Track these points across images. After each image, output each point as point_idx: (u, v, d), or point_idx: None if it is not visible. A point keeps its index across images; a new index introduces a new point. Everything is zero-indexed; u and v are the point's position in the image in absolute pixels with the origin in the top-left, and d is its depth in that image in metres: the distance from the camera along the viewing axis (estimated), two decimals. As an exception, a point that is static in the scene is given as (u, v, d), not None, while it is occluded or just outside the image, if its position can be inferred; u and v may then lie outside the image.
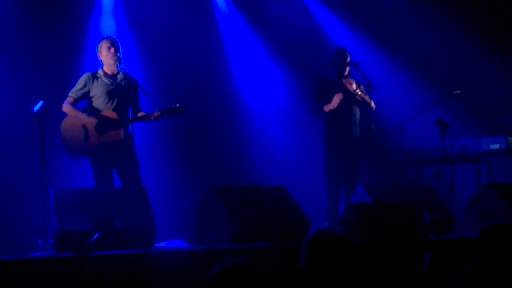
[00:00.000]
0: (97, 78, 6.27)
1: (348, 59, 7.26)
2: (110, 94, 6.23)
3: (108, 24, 8.10)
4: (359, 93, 7.22)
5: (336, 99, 7.09)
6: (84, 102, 6.27)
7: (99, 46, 6.33)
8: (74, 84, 6.28)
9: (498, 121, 8.00)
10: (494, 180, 7.47)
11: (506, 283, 2.21)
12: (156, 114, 6.15)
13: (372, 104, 7.18)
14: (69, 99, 6.22)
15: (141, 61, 8.10)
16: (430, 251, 3.21)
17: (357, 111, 7.28)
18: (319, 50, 8.48)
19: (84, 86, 6.24)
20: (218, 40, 8.81)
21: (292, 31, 8.92)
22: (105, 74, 6.29)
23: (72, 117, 6.17)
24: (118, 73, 6.32)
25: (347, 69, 7.28)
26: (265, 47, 9.01)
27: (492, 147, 7.42)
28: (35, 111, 5.54)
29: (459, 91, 7.66)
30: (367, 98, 7.20)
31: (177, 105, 6.09)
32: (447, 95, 7.70)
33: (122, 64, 6.28)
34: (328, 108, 7.15)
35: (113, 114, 6.16)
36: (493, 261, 2.36)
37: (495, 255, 2.52)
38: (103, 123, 6.12)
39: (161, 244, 5.51)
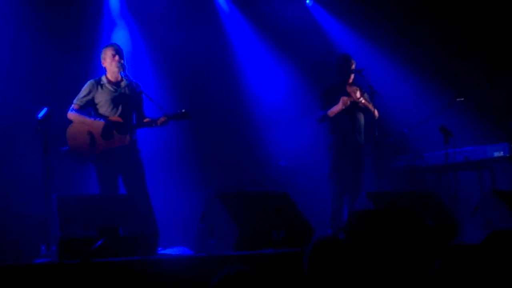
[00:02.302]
0: (101, 85, 6.29)
1: (353, 66, 7.26)
2: (114, 101, 6.24)
3: (115, 30, 8.12)
4: (363, 101, 7.23)
5: (341, 103, 7.09)
6: (88, 110, 6.28)
7: (103, 53, 6.34)
8: (78, 91, 6.30)
9: (502, 128, 7.98)
10: (497, 187, 7.46)
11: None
12: (162, 119, 6.17)
13: (376, 113, 7.19)
14: (75, 106, 6.23)
15: (143, 67, 8.12)
16: (440, 259, 3.20)
17: (361, 118, 7.29)
18: (325, 57, 8.48)
19: (89, 93, 6.26)
20: (222, 46, 8.81)
21: (297, 37, 8.92)
22: (109, 81, 6.31)
23: (78, 123, 6.17)
24: (121, 80, 6.34)
25: (352, 76, 7.29)
26: (270, 52, 9.01)
27: (496, 154, 7.42)
28: (40, 117, 5.55)
29: (462, 98, 7.66)
30: (370, 106, 7.21)
31: (183, 110, 6.11)
32: (451, 102, 7.70)
33: (126, 71, 6.29)
34: (332, 112, 7.16)
35: (119, 120, 6.17)
36: (495, 268, 2.36)
37: (498, 263, 2.52)
38: (109, 129, 6.12)
39: (164, 251, 5.51)
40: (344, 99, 7.12)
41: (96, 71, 6.58)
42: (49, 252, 5.02)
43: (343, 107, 7.12)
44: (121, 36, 8.08)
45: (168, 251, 5.58)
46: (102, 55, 6.34)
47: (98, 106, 6.25)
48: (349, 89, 7.29)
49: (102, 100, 6.24)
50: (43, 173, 5.44)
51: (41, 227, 5.29)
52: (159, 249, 5.15)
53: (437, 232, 5.43)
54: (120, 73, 6.28)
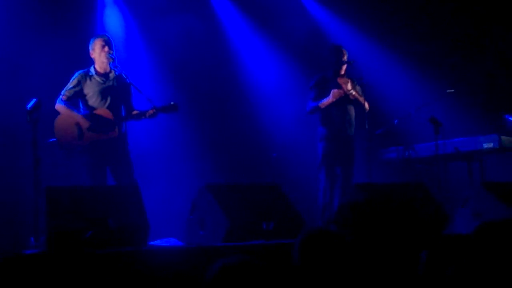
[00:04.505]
0: (90, 76, 6.26)
1: (345, 57, 7.24)
2: (103, 93, 6.22)
3: (107, 20, 8.09)
4: (353, 93, 7.21)
5: (332, 96, 7.08)
6: (76, 101, 6.26)
7: (92, 44, 6.31)
8: (67, 81, 6.27)
9: (492, 120, 8.00)
10: (487, 178, 7.49)
11: (497, 280, 2.22)
12: (150, 112, 6.16)
13: (366, 105, 7.18)
14: (63, 97, 6.22)
15: (134, 56, 8.09)
16: (426, 251, 3.21)
17: (351, 110, 7.27)
18: (317, 48, 8.47)
19: (78, 84, 6.24)
20: (213, 35, 8.77)
21: (289, 26, 8.91)
22: (97, 73, 6.28)
23: (66, 115, 6.15)
24: (110, 71, 6.31)
25: (343, 67, 7.26)
26: (262, 43, 8.98)
27: (486, 145, 7.43)
28: (29, 108, 5.52)
29: (453, 90, 7.68)
30: (361, 99, 7.19)
31: (172, 102, 6.11)
32: (442, 94, 7.72)
33: (116, 62, 6.26)
34: (323, 105, 7.14)
35: (107, 112, 6.15)
36: (485, 260, 2.36)
37: (487, 254, 2.52)
38: (97, 121, 6.11)
39: (155, 243, 5.50)
40: (334, 92, 7.10)
41: (85, 62, 6.54)
42: (38, 244, 5.00)
43: (334, 100, 7.11)
44: (112, 25, 8.04)
45: (158, 242, 5.57)
46: (91, 46, 6.30)
47: (87, 98, 6.23)
48: (340, 80, 7.27)
49: (91, 91, 6.22)
50: (32, 164, 5.41)
51: (30, 218, 5.27)
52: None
53: (427, 223, 5.44)
54: (109, 64, 6.25)
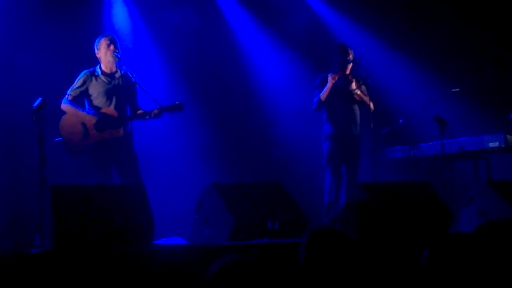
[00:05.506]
0: (96, 76, 6.27)
1: (351, 56, 7.22)
2: (109, 93, 6.23)
3: (115, 18, 8.10)
4: (358, 92, 7.20)
5: (331, 79, 7.08)
6: (82, 100, 6.27)
7: (97, 43, 6.32)
8: (73, 80, 6.29)
9: (498, 119, 7.99)
10: (493, 177, 7.47)
11: (500, 279, 2.22)
12: (155, 111, 6.16)
13: (371, 105, 7.17)
14: (69, 97, 6.23)
15: (140, 56, 8.10)
16: (427, 249, 3.21)
17: (356, 109, 7.27)
18: (322, 46, 8.46)
19: (83, 84, 6.25)
20: (221, 35, 8.76)
21: (296, 28, 8.90)
22: (103, 73, 6.29)
23: (71, 115, 6.17)
24: (116, 71, 6.32)
25: (349, 66, 7.25)
26: (268, 42, 8.97)
27: (491, 145, 7.42)
28: (34, 107, 5.53)
29: (458, 89, 7.67)
30: (366, 98, 7.19)
31: (177, 102, 6.11)
32: (447, 93, 7.71)
33: (122, 61, 6.28)
34: (324, 95, 7.13)
35: (112, 112, 6.16)
36: (489, 258, 2.36)
37: (491, 253, 2.52)
38: (102, 121, 6.12)
39: (160, 241, 5.50)
40: (332, 75, 7.10)
41: (92, 61, 6.55)
42: (44, 242, 5.01)
43: (334, 81, 7.09)
44: (119, 24, 8.05)
45: (163, 241, 5.58)
46: (97, 46, 6.32)
47: (92, 98, 6.25)
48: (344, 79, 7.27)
49: (96, 91, 6.23)
50: (38, 163, 5.42)
51: (35, 217, 5.28)
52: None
53: (432, 221, 5.44)
54: (115, 63, 6.26)
